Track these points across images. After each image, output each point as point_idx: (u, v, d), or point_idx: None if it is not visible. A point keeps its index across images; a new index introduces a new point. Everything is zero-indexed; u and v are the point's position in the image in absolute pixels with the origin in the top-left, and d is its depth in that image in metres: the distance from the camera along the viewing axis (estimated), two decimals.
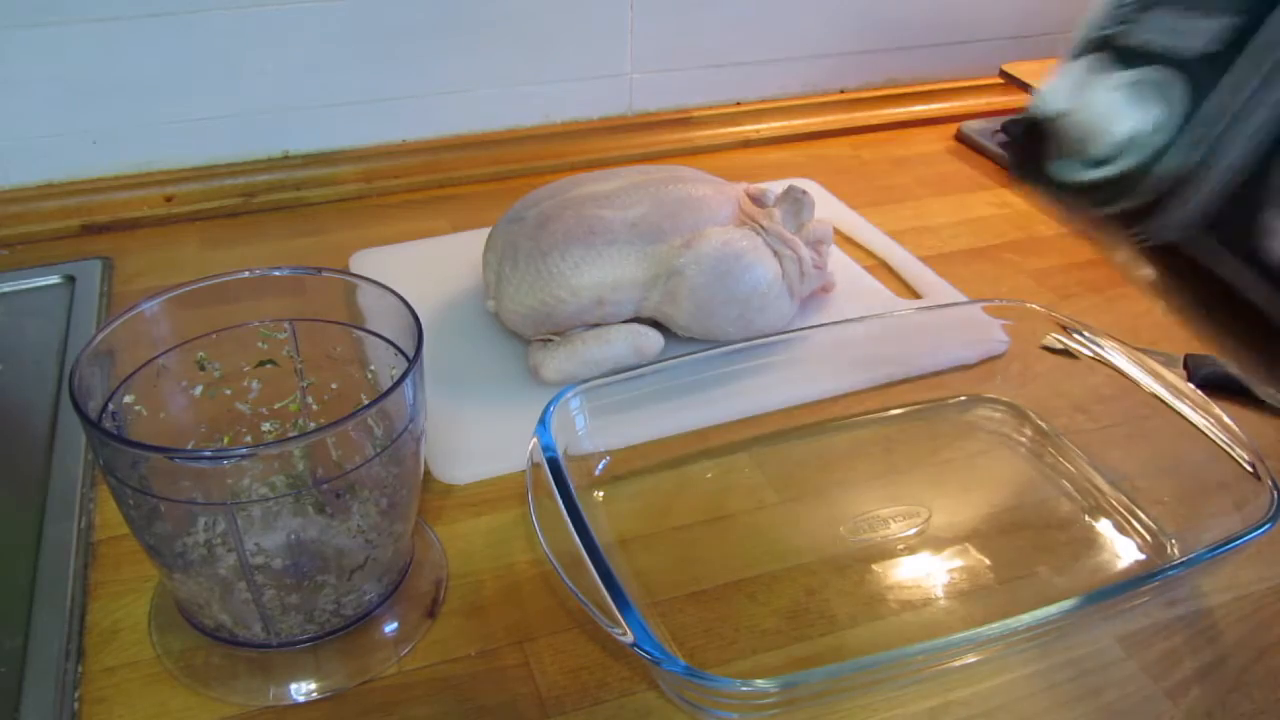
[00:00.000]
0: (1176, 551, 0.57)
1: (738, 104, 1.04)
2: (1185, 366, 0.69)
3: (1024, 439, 0.66)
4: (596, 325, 0.68)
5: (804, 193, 0.72)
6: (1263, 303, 0.39)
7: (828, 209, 0.89)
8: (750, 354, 0.66)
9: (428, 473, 0.61)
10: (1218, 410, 0.58)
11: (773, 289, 0.68)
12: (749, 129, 1.03)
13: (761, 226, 0.70)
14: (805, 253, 0.71)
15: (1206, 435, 0.58)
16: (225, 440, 0.55)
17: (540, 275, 0.65)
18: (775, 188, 0.75)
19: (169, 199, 0.87)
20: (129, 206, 0.86)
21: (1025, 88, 1.00)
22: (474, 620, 0.53)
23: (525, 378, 0.68)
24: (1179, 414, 0.60)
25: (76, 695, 0.48)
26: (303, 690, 0.49)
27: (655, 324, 0.69)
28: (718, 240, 0.67)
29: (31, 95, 0.81)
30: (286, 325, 0.54)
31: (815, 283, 0.73)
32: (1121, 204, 0.39)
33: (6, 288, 0.77)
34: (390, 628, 0.52)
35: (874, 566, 0.56)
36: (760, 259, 0.68)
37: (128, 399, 0.49)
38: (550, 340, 0.67)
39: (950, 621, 0.53)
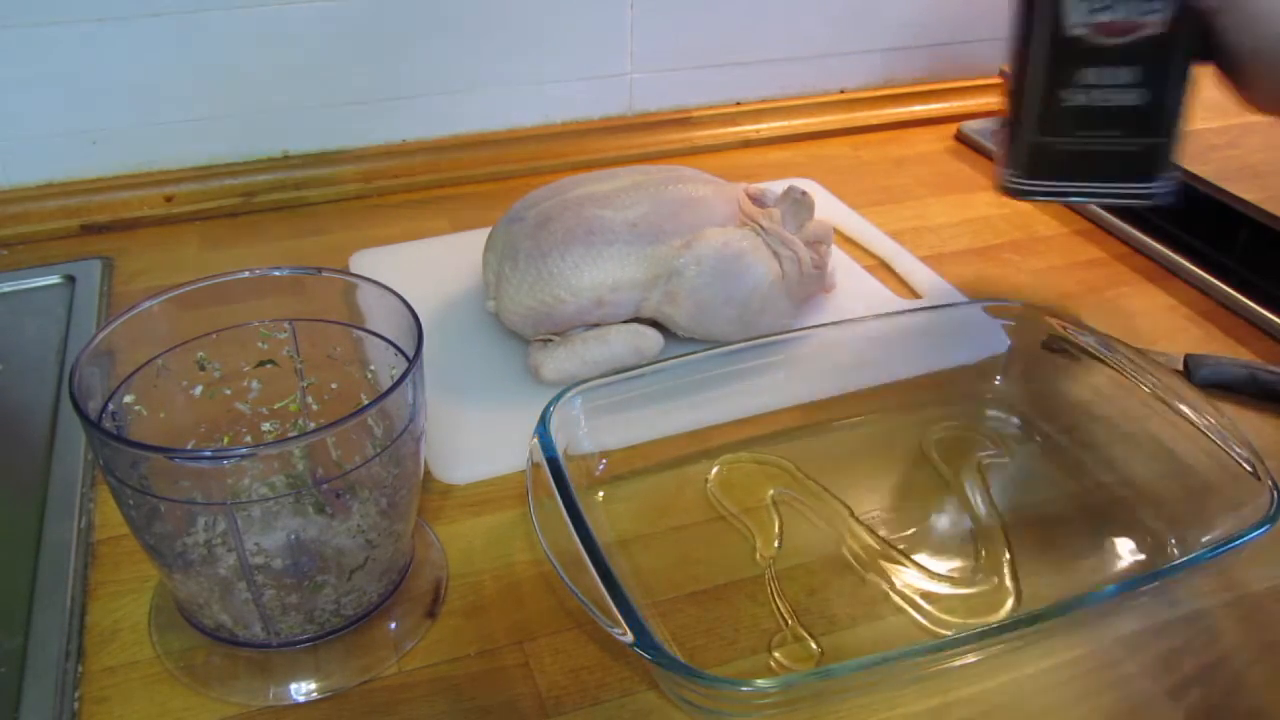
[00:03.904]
0: (1176, 551, 0.57)
1: (738, 104, 1.04)
2: (1185, 366, 0.70)
3: (1024, 439, 0.65)
4: (596, 325, 0.68)
5: (804, 193, 0.72)
6: None
7: (828, 209, 0.89)
8: (750, 354, 0.66)
9: (428, 473, 0.61)
10: (1218, 410, 0.58)
11: (773, 290, 0.68)
12: (749, 129, 1.03)
13: (761, 227, 0.70)
14: (805, 253, 0.70)
15: (1206, 435, 0.58)
16: (225, 440, 0.55)
17: (540, 275, 0.65)
18: (775, 188, 0.75)
19: (169, 199, 0.87)
20: (129, 206, 0.86)
21: None
22: (474, 620, 0.53)
23: (525, 378, 0.68)
24: (1179, 414, 0.60)
25: (76, 695, 0.48)
26: (303, 690, 0.49)
27: (655, 324, 0.69)
28: (718, 241, 0.67)
29: (31, 95, 0.81)
30: (286, 325, 0.54)
31: (815, 283, 0.73)
32: None
33: (6, 288, 0.77)
34: (390, 628, 0.52)
35: (874, 566, 0.56)
36: (760, 259, 0.68)
37: (128, 399, 0.49)
38: (550, 340, 0.67)
39: (950, 621, 0.53)
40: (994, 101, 1.10)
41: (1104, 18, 0.63)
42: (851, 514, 0.59)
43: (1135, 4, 0.62)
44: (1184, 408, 0.60)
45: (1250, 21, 0.59)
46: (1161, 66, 0.65)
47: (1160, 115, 0.67)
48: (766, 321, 0.69)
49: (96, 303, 0.75)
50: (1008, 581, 0.55)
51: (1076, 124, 0.68)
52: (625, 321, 0.68)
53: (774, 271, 0.68)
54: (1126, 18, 0.63)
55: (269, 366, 0.54)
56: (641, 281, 0.66)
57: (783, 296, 0.69)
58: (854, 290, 0.78)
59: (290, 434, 0.56)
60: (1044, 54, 0.66)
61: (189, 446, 0.53)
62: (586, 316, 0.67)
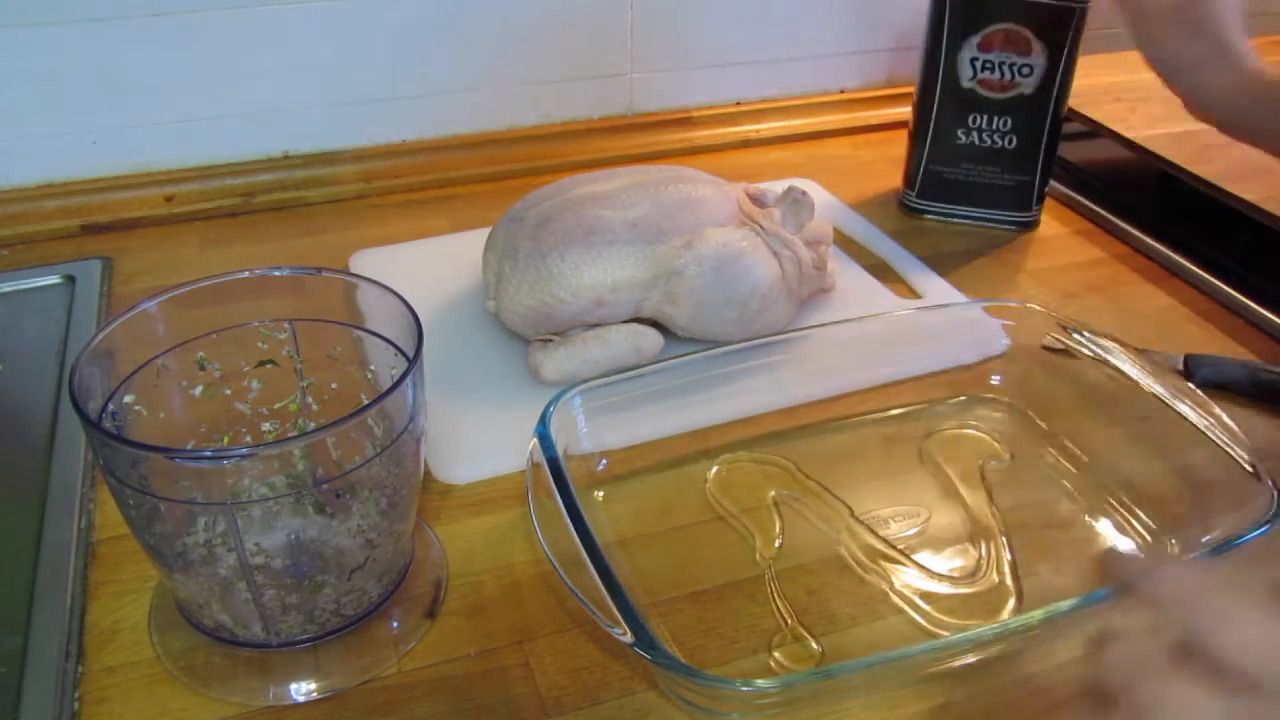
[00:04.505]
0: (1176, 551, 0.57)
1: (738, 104, 1.04)
2: (1185, 366, 0.70)
3: (1024, 439, 0.65)
4: (596, 325, 0.68)
5: (804, 193, 0.72)
6: None
7: (828, 209, 0.89)
8: (750, 354, 0.66)
9: (428, 473, 0.61)
10: (1218, 410, 0.58)
11: (773, 290, 0.68)
12: (749, 129, 1.03)
13: (761, 227, 0.70)
14: (805, 253, 0.70)
15: (1206, 435, 0.58)
16: (225, 440, 0.55)
17: (540, 275, 0.65)
18: (775, 188, 0.75)
19: (169, 199, 0.87)
20: (129, 206, 0.86)
21: None
22: (474, 620, 0.53)
23: (525, 378, 0.68)
24: (1179, 414, 0.60)
25: (76, 695, 0.48)
26: (303, 690, 0.49)
27: (655, 324, 0.69)
28: (717, 241, 0.67)
29: (32, 95, 0.81)
30: (286, 325, 0.54)
31: (815, 283, 0.73)
32: None
33: (6, 288, 0.77)
34: (390, 628, 0.52)
35: (874, 566, 0.56)
36: (760, 260, 0.68)
37: (128, 399, 0.49)
38: (550, 340, 0.67)
39: (950, 621, 0.53)
40: None
41: (988, 76, 0.82)
42: (851, 514, 0.59)
43: (1013, 67, 0.81)
44: (1184, 408, 0.60)
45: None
46: (1033, 118, 0.83)
47: (1030, 158, 0.85)
48: (766, 321, 0.69)
49: (96, 303, 0.75)
50: (1008, 581, 0.55)
51: (964, 159, 0.86)
52: (625, 321, 0.68)
53: (774, 271, 0.68)
54: (1005, 78, 0.82)
55: (269, 366, 0.54)
56: (642, 281, 0.66)
57: (783, 296, 0.69)
58: (854, 290, 0.78)
59: (290, 434, 0.56)
60: (942, 101, 0.85)
61: (189, 446, 0.53)
62: (586, 316, 0.67)
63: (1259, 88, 0.61)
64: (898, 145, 0.92)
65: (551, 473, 0.52)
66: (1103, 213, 0.90)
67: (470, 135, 0.95)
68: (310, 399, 0.56)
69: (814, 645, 0.51)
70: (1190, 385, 0.61)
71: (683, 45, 0.99)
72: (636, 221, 0.67)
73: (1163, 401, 0.61)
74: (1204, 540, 0.54)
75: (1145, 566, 0.36)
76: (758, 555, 0.56)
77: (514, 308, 0.67)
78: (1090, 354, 0.65)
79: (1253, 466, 0.55)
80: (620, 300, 0.67)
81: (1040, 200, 0.88)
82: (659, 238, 0.67)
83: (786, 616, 0.53)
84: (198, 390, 0.53)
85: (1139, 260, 0.85)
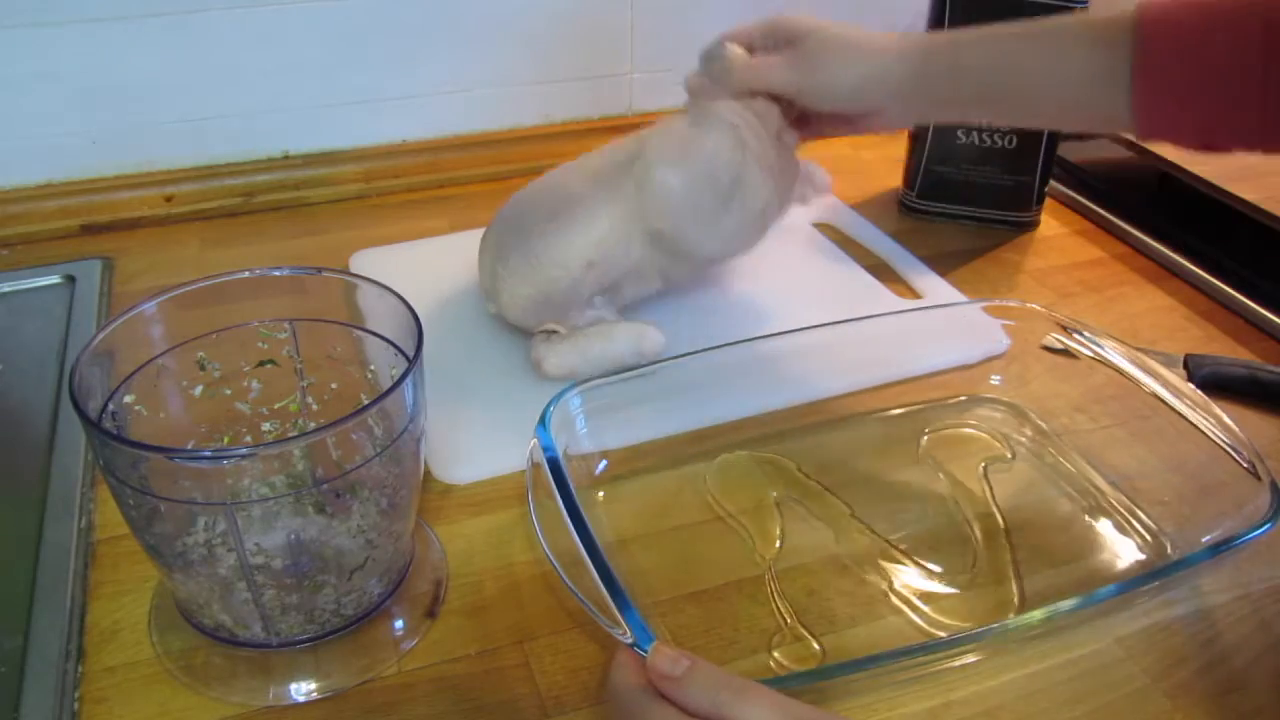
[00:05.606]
0: (1176, 551, 0.57)
1: None
2: (1185, 366, 0.70)
3: (1024, 439, 0.65)
4: (598, 312, 0.68)
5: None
6: None
7: (828, 209, 0.89)
8: (750, 354, 0.66)
9: (428, 473, 0.61)
10: (1218, 410, 0.58)
11: (735, 155, 0.65)
12: None
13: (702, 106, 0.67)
14: (762, 107, 0.66)
15: (1206, 435, 0.58)
16: (225, 440, 0.55)
17: (529, 262, 0.66)
18: None
19: (169, 199, 0.87)
20: (129, 206, 0.86)
21: None
22: (474, 620, 0.53)
23: (525, 378, 0.68)
24: (1179, 414, 0.60)
25: (76, 695, 0.48)
26: (303, 690, 0.49)
27: (655, 323, 0.69)
28: (660, 133, 0.67)
29: (31, 95, 0.81)
30: (286, 325, 0.54)
31: (791, 164, 0.70)
32: None
33: (6, 288, 0.77)
34: (390, 627, 0.52)
35: (874, 566, 0.56)
36: (709, 129, 0.65)
37: (128, 399, 0.49)
38: (554, 333, 0.67)
39: (950, 621, 0.53)
40: None
41: None
42: (852, 514, 0.59)
43: None
44: (1184, 408, 0.60)
45: None
46: None
47: (1030, 158, 0.85)
48: (751, 203, 0.66)
49: (96, 303, 0.75)
50: (1009, 581, 0.55)
51: (963, 159, 0.86)
52: (628, 308, 0.68)
53: (731, 139, 0.65)
54: None
55: (269, 366, 0.54)
56: (620, 221, 0.65)
57: (755, 167, 0.66)
58: (854, 290, 0.78)
59: (290, 434, 0.56)
60: None
61: (189, 446, 0.53)
62: (584, 286, 0.66)
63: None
64: (898, 145, 0.92)
65: (551, 473, 0.52)
66: (1102, 213, 0.90)
67: (470, 135, 0.95)
68: (310, 399, 0.56)
69: (814, 645, 0.51)
70: (1190, 385, 0.61)
71: (683, 45, 0.99)
72: (596, 171, 0.67)
73: (1163, 401, 0.61)
74: (1204, 540, 0.54)
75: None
76: (758, 555, 0.56)
77: (514, 301, 0.67)
78: (1090, 354, 0.65)
79: (1253, 466, 0.55)
80: (610, 254, 0.66)
81: (1040, 200, 0.88)
82: (619, 173, 0.66)
83: (786, 616, 0.53)
84: (198, 390, 0.53)
85: (1139, 260, 0.85)
